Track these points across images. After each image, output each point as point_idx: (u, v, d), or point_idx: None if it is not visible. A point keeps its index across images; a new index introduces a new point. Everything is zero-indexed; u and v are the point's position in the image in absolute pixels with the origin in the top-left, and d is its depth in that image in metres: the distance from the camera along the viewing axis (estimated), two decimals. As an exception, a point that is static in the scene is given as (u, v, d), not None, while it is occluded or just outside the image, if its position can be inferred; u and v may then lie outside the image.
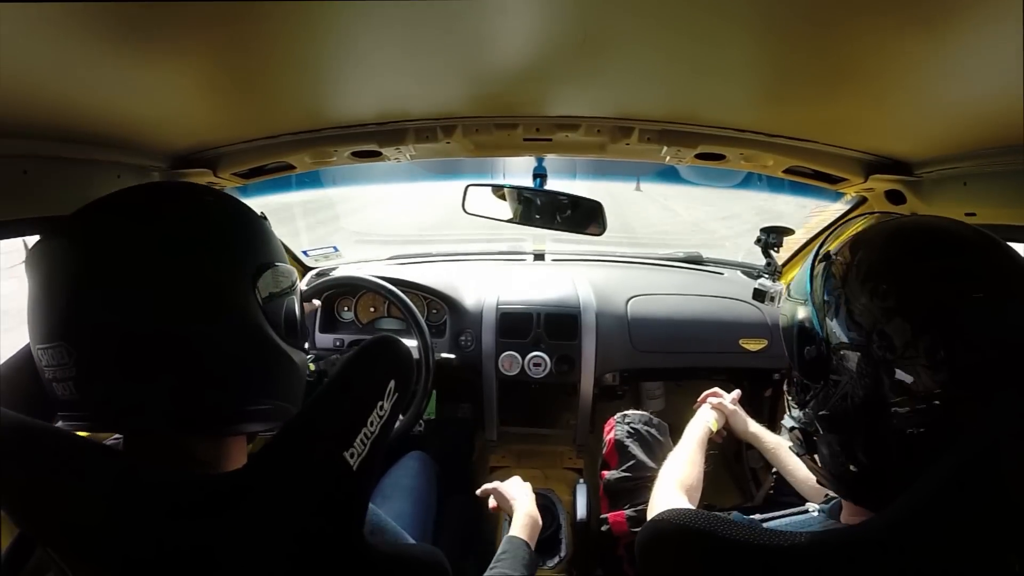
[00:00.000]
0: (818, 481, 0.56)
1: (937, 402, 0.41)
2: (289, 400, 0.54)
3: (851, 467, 0.48)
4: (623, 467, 1.17)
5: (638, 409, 1.37)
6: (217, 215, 0.50)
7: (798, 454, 0.57)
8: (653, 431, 1.23)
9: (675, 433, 1.25)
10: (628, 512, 1.11)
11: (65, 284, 0.44)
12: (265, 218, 0.55)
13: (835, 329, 0.48)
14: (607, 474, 1.20)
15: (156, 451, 0.48)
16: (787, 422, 0.57)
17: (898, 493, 0.39)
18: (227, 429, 0.51)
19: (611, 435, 1.24)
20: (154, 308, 0.43)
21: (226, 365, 0.47)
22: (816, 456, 0.54)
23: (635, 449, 1.18)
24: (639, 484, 1.13)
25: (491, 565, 0.85)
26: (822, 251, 0.53)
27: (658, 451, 1.19)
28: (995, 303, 0.42)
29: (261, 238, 0.52)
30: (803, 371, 0.52)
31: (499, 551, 0.89)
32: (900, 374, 0.43)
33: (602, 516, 1.15)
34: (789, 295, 0.57)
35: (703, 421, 1.09)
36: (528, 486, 1.06)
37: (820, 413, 0.50)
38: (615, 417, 1.28)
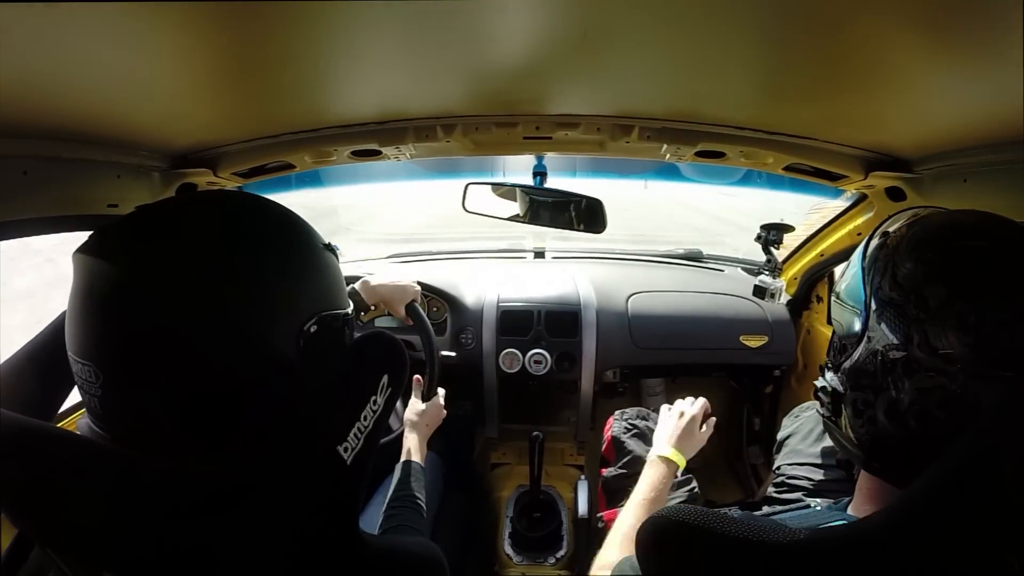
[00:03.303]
0: (838, 453, 0.57)
1: (960, 366, 0.42)
2: None
3: (871, 429, 0.50)
4: (619, 463, 1.17)
5: (639, 406, 1.36)
6: (255, 257, 0.46)
7: (824, 416, 0.59)
8: (650, 424, 1.23)
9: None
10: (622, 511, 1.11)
11: (95, 306, 0.43)
12: (331, 248, 0.52)
13: (878, 290, 0.50)
14: (605, 471, 1.20)
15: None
16: (818, 383, 0.60)
17: (913, 464, 0.41)
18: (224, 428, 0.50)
19: (609, 432, 1.24)
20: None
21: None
22: (841, 420, 0.56)
23: (631, 444, 1.18)
24: (635, 480, 1.13)
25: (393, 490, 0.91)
26: (880, 229, 0.56)
27: None
28: None
29: (315, 280, 0.49)
30: (843, 334, 0.55)
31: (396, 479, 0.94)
32: (930, 333, 0.44)
33: (598, 515, 1.15)
34: (849, 264, 0.60)
35: (667, 464, 0.99)
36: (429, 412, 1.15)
37: (847, 368, 0.53)
38: (614, 415, 1.28)
